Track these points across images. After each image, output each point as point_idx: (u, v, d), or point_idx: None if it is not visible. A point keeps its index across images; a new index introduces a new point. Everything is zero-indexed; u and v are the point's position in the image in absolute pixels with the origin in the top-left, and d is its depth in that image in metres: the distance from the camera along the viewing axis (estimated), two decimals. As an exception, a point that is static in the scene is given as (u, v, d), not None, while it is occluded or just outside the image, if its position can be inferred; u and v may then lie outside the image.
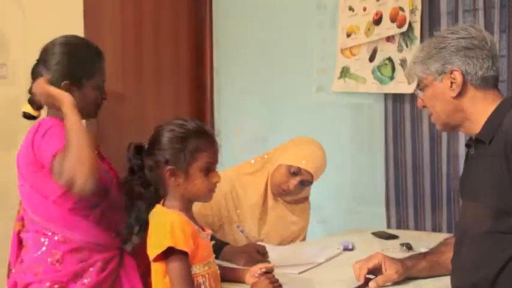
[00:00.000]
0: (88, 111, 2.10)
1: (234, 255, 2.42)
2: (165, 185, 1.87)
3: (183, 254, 1.78)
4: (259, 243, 2.52)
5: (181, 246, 1.77)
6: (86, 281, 1.99)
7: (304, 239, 2.90)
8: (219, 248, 2.46)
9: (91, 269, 2.00)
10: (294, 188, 2.67)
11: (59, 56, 2.05)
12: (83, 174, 1.80)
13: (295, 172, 2.66)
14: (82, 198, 1.95)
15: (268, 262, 2.34)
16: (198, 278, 1.84)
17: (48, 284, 1.96)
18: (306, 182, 2.69)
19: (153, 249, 1.80)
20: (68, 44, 2.09)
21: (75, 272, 1.98)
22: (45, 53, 2.09)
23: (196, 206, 2.70)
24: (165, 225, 1.79)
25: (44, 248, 2.00)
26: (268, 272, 2.05)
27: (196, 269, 1.83)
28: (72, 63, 2.05)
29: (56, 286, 1.97)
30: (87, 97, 2.08)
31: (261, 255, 2.40)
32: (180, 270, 1.78)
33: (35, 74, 2.08)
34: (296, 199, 2.81)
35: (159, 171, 1.86)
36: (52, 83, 2.02)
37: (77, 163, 1.80)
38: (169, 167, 1.84)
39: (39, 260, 1.99)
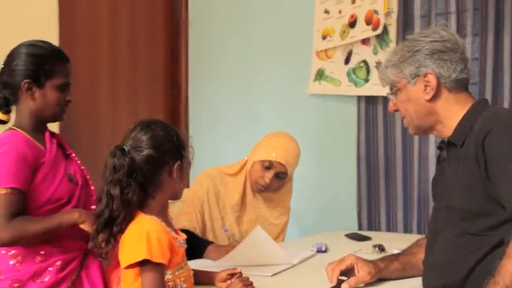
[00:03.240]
0: (52, 112, 2.14)
1: (218, 254, 2.46)
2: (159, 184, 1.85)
3: (160, 266, 1.76)
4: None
5: (157, 258, 1.75)
6: (45, 279, 2.01)
7: (282, 241, 2.93)
8: (204, 246, 2.54)
9: (50, 268, 2.02)
10: (270, 181, 2.74)
11: (21, 56, 2.12)
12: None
13: (268, 166, 2.73)
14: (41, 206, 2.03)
15: None
16: (169, 283, 1.82)
17: (7, 283, 1.98)
18: (281, 174, 2.76)
19: (127, 257, 1.76)
20: (29, 46, 2.15)
21: (34, 271, 2.01)
22: (10, 56, 2.15)
23: (179, 206, 2.74)
24: (141, 235, 1.75)
25: (3, 251, 2.02)
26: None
27: (167, 275, 1.81)
28: (32, 62, 2.11)
29: (16, 285, 1.98)
30: (48, 97, 2.11)
31: None
32: (156, 281, 1.75)
33: (1, 79, 2.14)
34: (278, 198, 2.87)
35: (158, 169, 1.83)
36: (14, 82, 2.10)
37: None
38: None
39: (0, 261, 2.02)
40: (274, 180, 2.75)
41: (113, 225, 1.78)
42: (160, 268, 1.77)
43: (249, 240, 2.39)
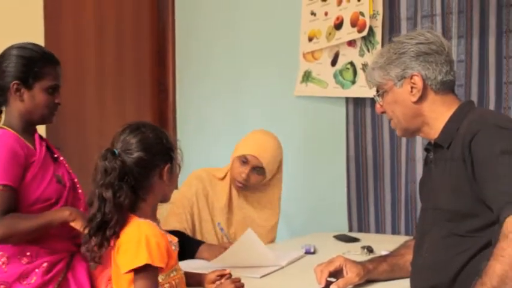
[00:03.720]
0: (41, 114, 2.17)
1: (211, 253, 2.49)
2: (150, 187, 1.84)
3: (155, 270, 1.76)
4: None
5: (157, 263, 1.75)
6: (32, 280, 2.03)
7: (272, 242, 2.94)
8: (196, 246, 2.56)
9: (36, 270, 2.04)
10: (247, 176, 2.74)
11: (11, 58, 2.14)
12: None
13: (243, 161, 2.74)
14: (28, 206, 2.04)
15: None
16: (165, 285, 1.83)
17: None
18: (258, 169, 2.75)
19: (128, 263, 1.74)
20: (20, 48, 2.17)
21: (20, 272, 2.03)
22: (0, 58, 2.17)
23: (167, 209, 2.74)
24: (139, 239, 1.75)
25: None
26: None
27: (160, 278, 1.81)
28: (21, 64, 2.13)
29: (2, 286, 2.00)
30: (36, 99, 2.14)
31: None
32: (153, 285, 1.75)
33: None
34: (265, 199, 2.87)
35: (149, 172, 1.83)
36: (4, 83, 2.13)
37: None
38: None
39: None
40: (253, 176, 2.75)
41: (105, 229, 1.77)
42: (157, 272, 1.77)
43: (240, 242, 2.40)
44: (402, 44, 1.97)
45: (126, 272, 1.75)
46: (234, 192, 2.84)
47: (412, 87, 1.94)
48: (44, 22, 3.31)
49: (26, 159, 2.06)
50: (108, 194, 1.76)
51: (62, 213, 2.06)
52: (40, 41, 3.09)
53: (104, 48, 3.83)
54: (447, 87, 1.96)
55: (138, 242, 1.74)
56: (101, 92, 3.80)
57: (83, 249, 1.85)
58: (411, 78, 1.94)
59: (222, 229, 2.74)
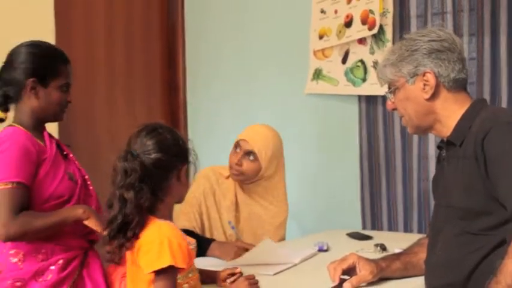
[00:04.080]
0: (53, 112, 2.17)
1: (222, 251, 2.52)
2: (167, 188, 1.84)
3: (176, 271, 1.77)
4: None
5: (180, 264, 1.75)
6: (48, 277, 2.03)
7: (283, 239, 2.94)
8: (207, 243, 2.58)
9: (52, 267, 2.04)
10: (239, 161, 2.75)
11: (25, 55, 2.13)
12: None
13: (235, 146, 2.78)
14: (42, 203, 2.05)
15: None
16: (184, 285, 1.84)
17: (9, 282, 2.00)
18: (250, 153, 2.75)
19: (151, 264, 1.75)
20: (33, 45, 2.17)
21: (36, 270, 2.03)
22: (12, 55, 2.16)
23: (178, 206, 2.75)
24: (162, 241, 1.75)
25: (5, 249, 2.04)
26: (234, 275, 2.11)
27: (179, 279, 1.82)
28: (38, 62, 2.13)
29: (18, 284, 2.00)
30: (52, 97, 2.14)
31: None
32: (172, 286, 1.76)
33: (1, 76, 2.15)
34: (272, 197, 2.87)
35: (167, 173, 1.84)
36: (18, 80, 2.11)
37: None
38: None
39: (1, 259, 2.04)
40: (245, 162, 2.75)
41: (126, 230, 1.78)
42: (177, 273, 1.78)
43: (258, 250, 2.43)
44: (414, 41, 1.97)
45: (149, 273, 1.76)
46: (239, 189, 2.84)
47: (424, 84, 1.94)
48: (54, 21, 3.32)
49: (38, 156, 2.06)
50: (130, 195, 1.76)
51: (75, 211, 2.06)
52: (51, 39, 3.09)
53: (114, 48, 3.84)
54: (459, 85, 1.96)
55: (160, 243, 1.74)
56: (111, 91, 3.81)
57: (102, 250, 1.85)
58: (424, 75, 1.94)
59: (233, 227, 2.76)
